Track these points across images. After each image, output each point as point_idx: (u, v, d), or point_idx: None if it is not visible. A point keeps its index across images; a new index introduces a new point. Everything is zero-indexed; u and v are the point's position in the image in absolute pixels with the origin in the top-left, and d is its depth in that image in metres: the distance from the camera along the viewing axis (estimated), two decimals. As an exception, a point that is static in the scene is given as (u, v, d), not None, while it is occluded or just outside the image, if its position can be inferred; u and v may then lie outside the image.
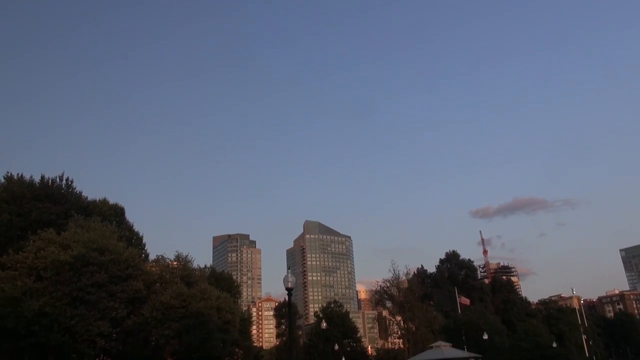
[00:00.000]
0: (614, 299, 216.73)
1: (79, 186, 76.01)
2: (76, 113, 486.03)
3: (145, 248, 60.98)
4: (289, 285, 17.18)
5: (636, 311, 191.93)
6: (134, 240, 57.47)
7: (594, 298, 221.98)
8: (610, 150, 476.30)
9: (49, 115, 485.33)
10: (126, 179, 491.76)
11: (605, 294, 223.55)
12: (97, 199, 57.69)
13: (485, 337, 52.38)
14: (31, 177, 52.06)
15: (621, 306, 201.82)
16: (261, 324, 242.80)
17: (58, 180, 53.05)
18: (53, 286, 38.74)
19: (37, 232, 41.92)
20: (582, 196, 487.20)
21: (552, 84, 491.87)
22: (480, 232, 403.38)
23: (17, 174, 52.52)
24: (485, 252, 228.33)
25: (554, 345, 67.65)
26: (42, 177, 52.16)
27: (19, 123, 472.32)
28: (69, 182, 53.92)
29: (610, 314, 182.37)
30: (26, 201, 47.18)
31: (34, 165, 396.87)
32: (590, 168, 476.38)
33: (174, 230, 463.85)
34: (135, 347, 47.45)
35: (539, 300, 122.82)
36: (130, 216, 62.24)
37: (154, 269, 53.75)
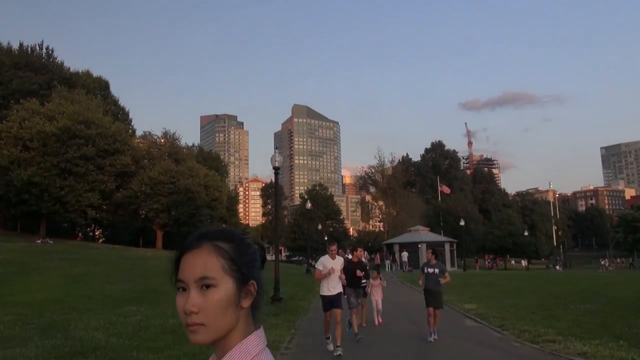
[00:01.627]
0: (588, 194, 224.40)
1: (60, 56, 73.05)
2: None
3: (132, 124, 60.63)
4: (276, 164, 17.29)
5: (607, 207, 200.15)
6: (120, 116, 56.81)
7: (570, 193, 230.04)
8: (604, 48, 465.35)
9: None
10: (109, 51, 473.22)
11: (580, 189, 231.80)
12: (80, 71, 55.99)
13: (462, 223, 54.77)
14: (9, 43, 49.74)
15: (594, 201, 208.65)
16: (248, 204, 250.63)
17: (38, 48, 50.87)
18: (40, 157, 38.90)
19: (19, 101, 41.00)
20: (571, 93, 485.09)
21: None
22: (465, 123, 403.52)
23: (-6, 40, 50.18)
24: (470, 143, 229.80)
25: (526, 234, 71.30)
26: (21, 45, 49.91)
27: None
28: (50, 51, 51.81)
29: (582, 208, 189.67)
30: (5, 69, 45.53)
31: (10, 31, 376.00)
32: (582, 65, 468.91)
33: (161, 108, 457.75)
34: (125, 218, 49.27)
35: (516, 192, 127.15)
36: (115, 91, 60.80)
37: (141, 144, 53.91)
